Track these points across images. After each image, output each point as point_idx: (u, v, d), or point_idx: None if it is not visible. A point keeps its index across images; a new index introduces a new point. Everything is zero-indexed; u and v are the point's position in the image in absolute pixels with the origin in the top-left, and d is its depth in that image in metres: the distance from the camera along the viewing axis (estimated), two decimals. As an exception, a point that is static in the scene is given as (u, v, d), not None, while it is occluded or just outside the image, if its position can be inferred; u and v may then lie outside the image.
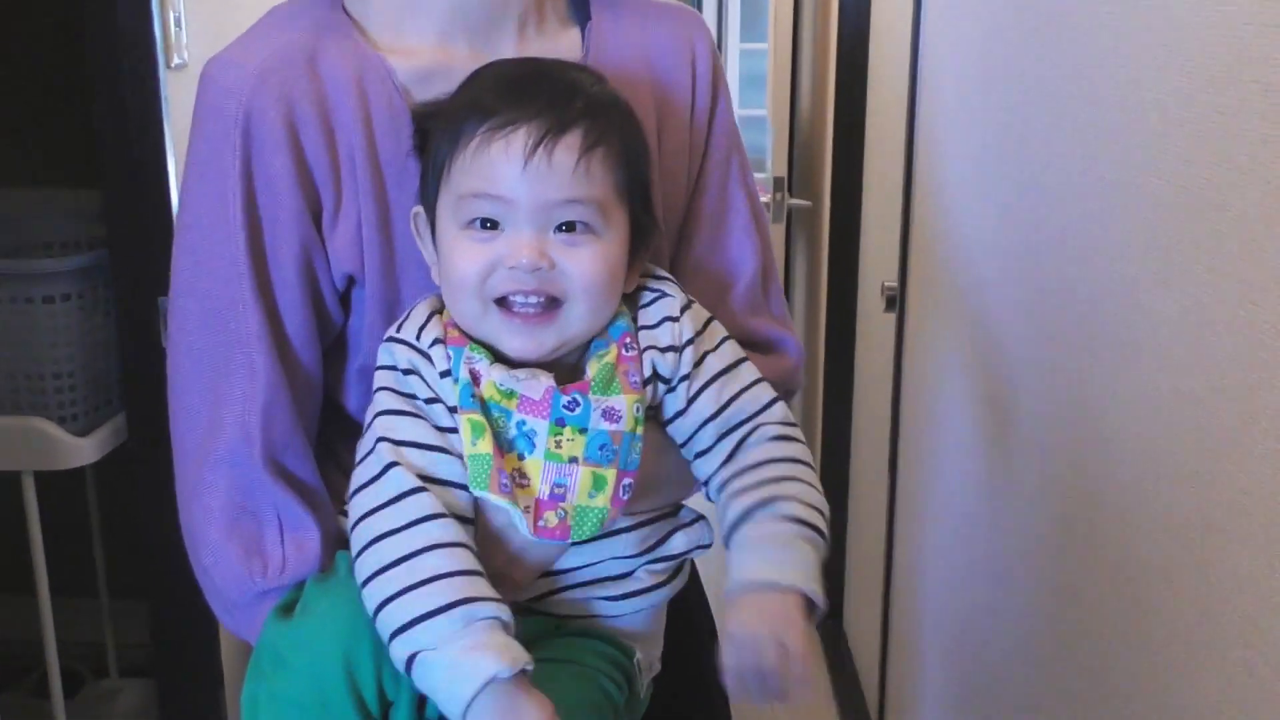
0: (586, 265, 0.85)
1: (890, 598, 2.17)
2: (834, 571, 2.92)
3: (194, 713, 2.02)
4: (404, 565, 0.81)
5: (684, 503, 0.97)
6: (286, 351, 0.93)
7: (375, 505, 0.84)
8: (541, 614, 0.92)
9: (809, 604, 0.84)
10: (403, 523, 0.83)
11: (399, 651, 0.79)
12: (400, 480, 0.84)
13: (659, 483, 0.92)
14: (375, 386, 0.90)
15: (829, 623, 2.94)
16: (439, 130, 0.88)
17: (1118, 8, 1.03)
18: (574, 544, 0.88)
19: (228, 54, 0.93)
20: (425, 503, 0.83)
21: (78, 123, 2.03)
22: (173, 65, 1.79)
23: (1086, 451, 1.11)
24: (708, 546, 0.96)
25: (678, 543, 0.94)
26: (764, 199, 2.91)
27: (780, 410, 0.93)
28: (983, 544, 1.51)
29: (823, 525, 0.88)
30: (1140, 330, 0.98)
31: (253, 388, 0.91)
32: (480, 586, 0.81)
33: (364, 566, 0.83)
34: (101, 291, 1.89)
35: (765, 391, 0.93)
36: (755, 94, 5.66)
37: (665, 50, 1.01)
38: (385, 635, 0.80)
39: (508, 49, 0.96)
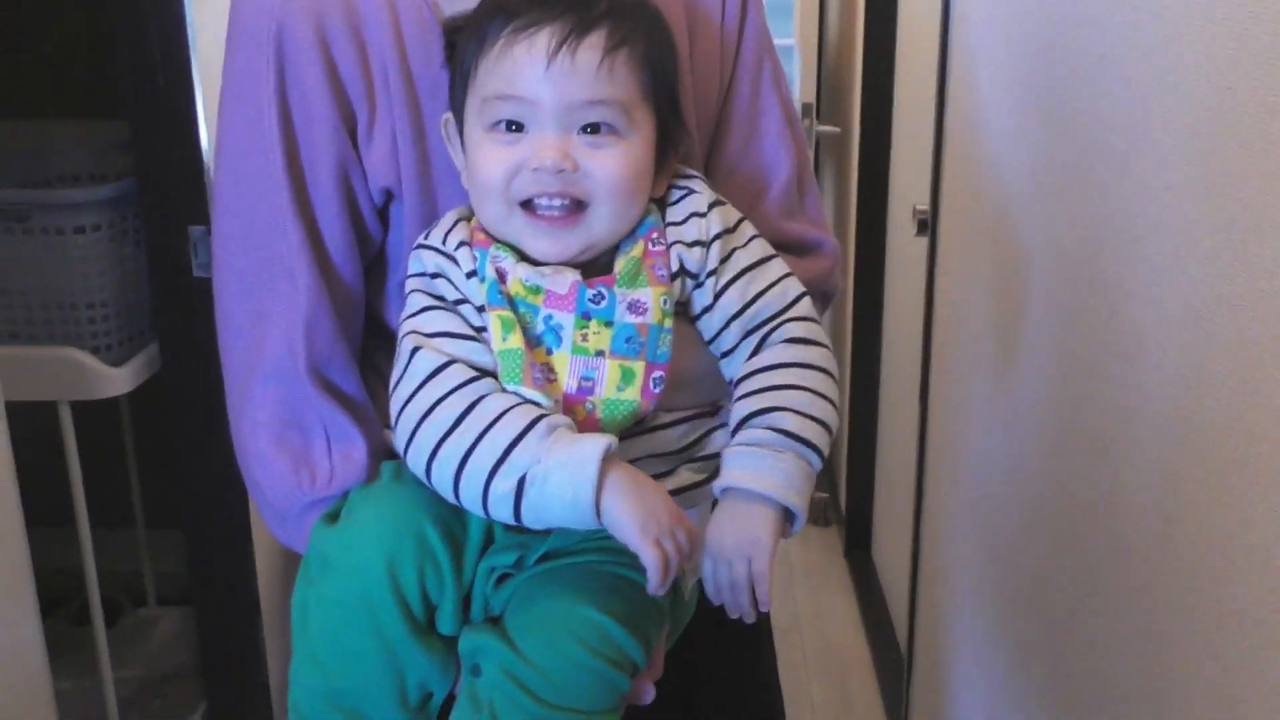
0: (611, 166, 0.85)
1: (920, 527, 2.17)
2: (862, 500, 2.93)
3: (232, 639, 2.05)
4: (468, 418, 0.83)
5: (723, 404, 0.96)
6: (327, 266, 0.94)
7: (413, 389, 0.85)
8: None
9: (787, 515, 0.85)
10: (446, 390, 0.84)
11: (503, 486, 0.81)
12: (430, 359, 0.85)
13: (692, 377, 0.92)
14: (406, 292, 0.91)
15: (857, 552, 2.95)
16: (466, 35, 0.88)
17: (1163, -92, 1.00)
18: (623, 435, 0.88)
19: None
20: (461, 370, 0.85)
21: (104, 52, 2.02)
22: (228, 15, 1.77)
23: (1124, 371, 1.10)
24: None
25: (718, 440, 0.94)
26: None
27: (805, 307, 0.92)
28: (1016, 472, 1.50)
29: (819, 439, 0.87)
30: (1181, 239, 0.96)
31: (294, 302, 0.93)
32: (544, 409, 0.84)
33: (422, 446, 0.84)
34: (131, 221, 1.89)
35: (792, 287, 0.92)
36: (782, 23, 5.56)
37: None
38: (480, 485, 0.81)
39: None
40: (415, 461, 0.85)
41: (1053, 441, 1.34)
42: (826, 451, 0.88)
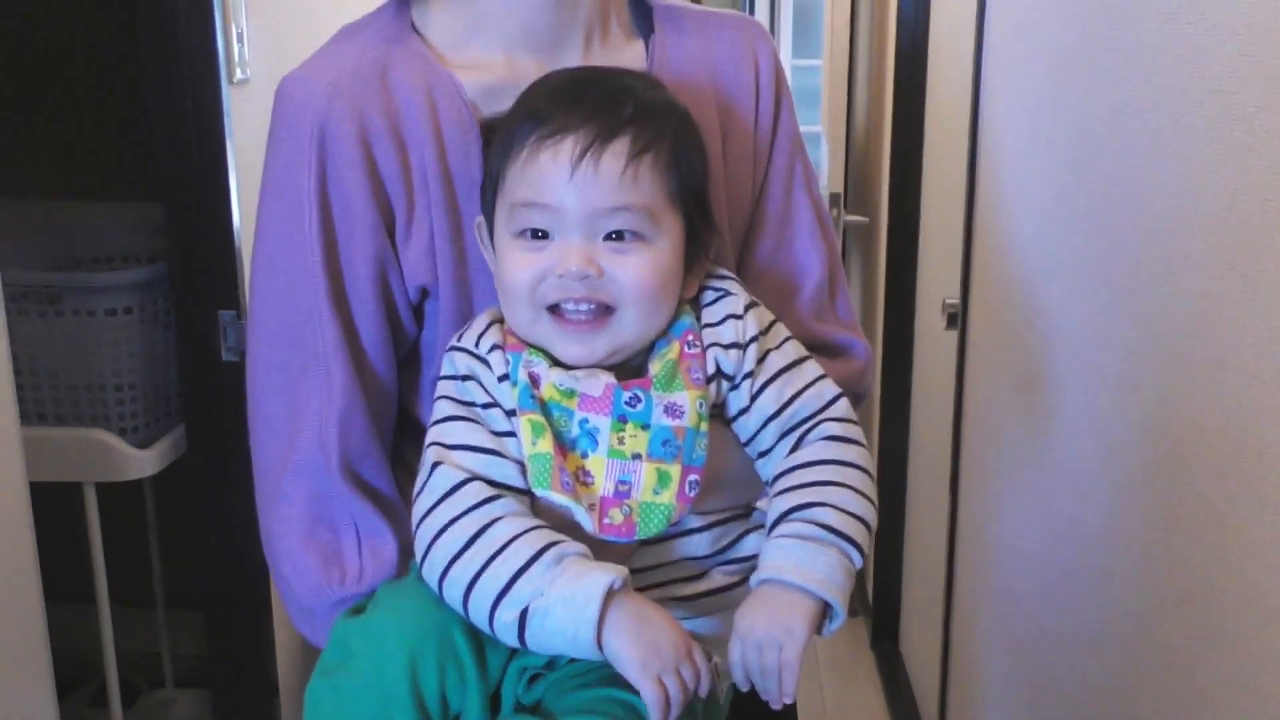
0: (635, 272, 0.86)
1: (951, 622, 2.13)
2: (891, 593, 2.88)
3: (249, 724, 2.02)
4: (477, 543, 0.82)
5: (757, 507, 0.96)
6: (362, 363, 0.94)
7: (430, 504, 0.85)
8: None
9: (825, 610, 0.83)
10: (462, 510, 0.84)
11: (506, 617, 0.80)
12: (449, 476, 0.85)
13: (726, 480, 0.91)
14: (435, 396, 0.91)
15: (885, 645, 2.90)
16: (498, 139, 0.89)
17: (1195, 16, 1.00)
18: (642, 544, 0.88)
19: (301, 71, 0.95)
20: (479, 489, 0.85)
21: (139, 134, 2.05)
22: (235, 80, 1.80)
23: (1166, 475, 1.08)
24: None
25: (751, 544, 0.93)
26: (820, 214, 2.87)
27: (843, 408, 0.92)
28: (1051, 570, 1.47)
29: (860, 536, 0.86)
30: (1224, 348, 0.95)
31: (329, 398, 0.93)
32: (556, 534, 0.83)
33: (435, 563, 0.83)
34: (162, 304, 1.91)
35: (828, 388, 0.92)
36: (808, 110, 5.62)
37: (728, 59, 1.02)
38: (485, 612, 0.81)
39: (573, 62, 0.97)
40: (429, 578, 0.84)
41: (1089, 540, 1.31)
42: (868, 550, 0.86)
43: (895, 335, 2.66)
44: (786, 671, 0.81)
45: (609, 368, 0.88)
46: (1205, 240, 0.98)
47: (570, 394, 0.86)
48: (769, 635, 0.81)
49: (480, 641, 0.84)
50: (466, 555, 0.82)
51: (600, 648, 0.79)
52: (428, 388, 0.98)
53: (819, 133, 3.75)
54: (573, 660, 0.86)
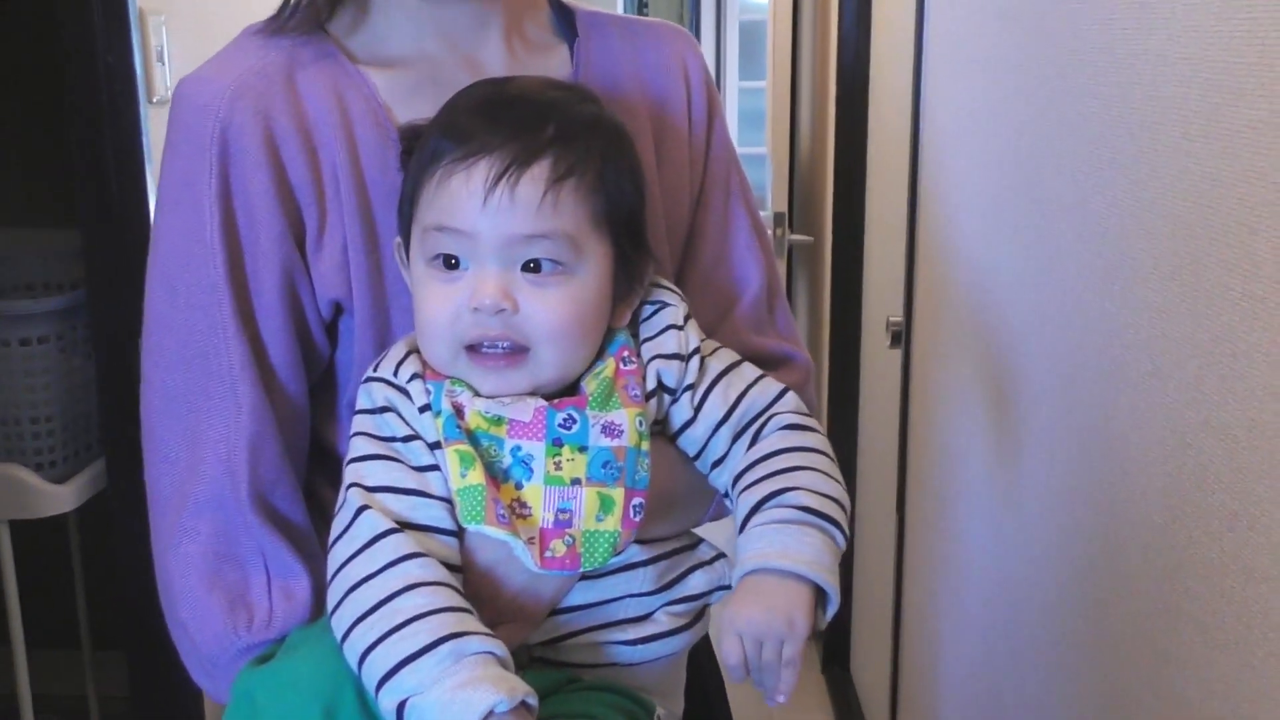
0: (553, 309, 0.80)
1: (900, 643, 2.10)
2: (840, 616, 2.84)
3: (177, 769, 1.94)
4: (383, 609, 0.75)
5: (703, 539, 0.91)
6: (272, 383, 0.87)
7: (349, 554, 0.78)
8: (553, 663, 0.85)
9: (818, 594, 0.78)
10: (378, 566, 0.77)
11: (387, 703, 0.73)
12: (372, 524, 0.79)
13: (672, 501, 0.87)
14: (351, 431, 0.85)
15: (835, 670, 2.86)
16: (414, 156, 0.84)
17: (1133, 22, 0.98)
18: (585, 577, 0.83)
19: (201, 71, 0.88)
20: (400, 543, 0.78)
21: (56, 161, 1.98)
22: (154, 100, 1.74)
23: (1110, 492, 1.05)
24: (729, 587, 0.88)
25: (697, 581, 0.88)
26: (764, 235, 2.87)
27: (793, 399, 0.88)
28: (997, 592, 1.44)
29: (839, 515, 0.81)
30: (1167, 360, 0.92)
31: (237, 422, 0.85)
32: (468, 622, 0.76)
33: (342, 618, 0.77)
34: (81, 333, 1.84)
35: (773, 384, 0.88)
36: (754, 132, 5.64)
37: (657, 68, 0.98)
38: (371, 688, 0.74)
39: (495, 62, 0.92)
40: (336, 631, 0.78)
41: (1037, 565, 1.28)
42: (848, 532, 0.82)
43: (841, 354, 2.64)
44: (789, 668, 0.75)
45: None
46: (1146, 250, 0.96)
47: (498, 421, 0.80)
48: (770, 629, 0.75)
49: None
50: (368, 622, 0.75)
51: None
52: (344, 413, 0.91)
53: (764, 155, 3.74)
54: None
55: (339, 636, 0.77)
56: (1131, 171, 0.98)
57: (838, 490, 0.83)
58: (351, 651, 0.76)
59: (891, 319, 1.99)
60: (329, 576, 0.80)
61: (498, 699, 0.71)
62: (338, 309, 0.90)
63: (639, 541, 0.84)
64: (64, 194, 1.88)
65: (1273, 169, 0.76)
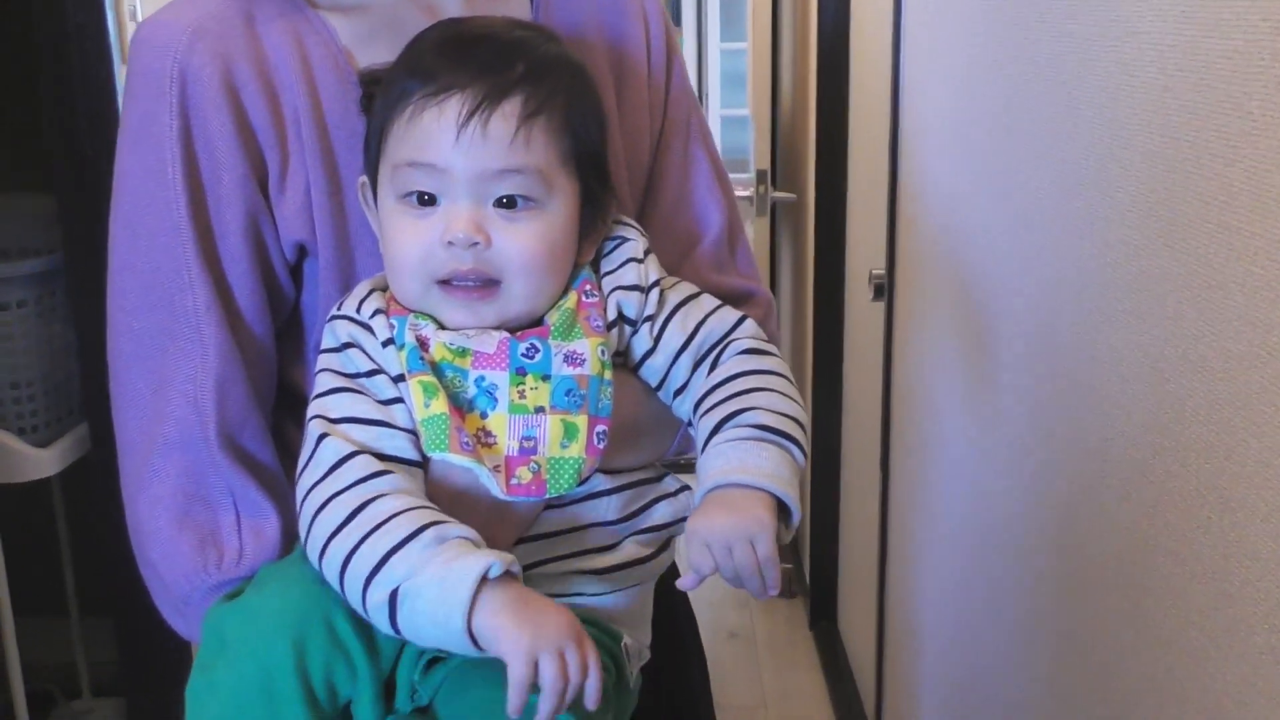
0: (525, 242, 0.81)
1: (885, 597, 2.11)
2: (827, 572, 2.86)
3: (167, 733, 1.95)
4: (358, 518, 0.76)
5: (668, 472, 0.92)
6: (238, 324, 0.87)
7: (316, 479, 0.79)
8: None
9: (782, 509, 0.79)
10: (346, 484, 0.78)
11: (377, 596, 0.74)
12: (336, 448, 0.79)
13: (636, 430, 0.88)
14: (316, 370, 0.85)
15: (823, 625, 2.88)
16: (380, 95, 0.84)
17: (1110, -41, 0.97)
18: (549, 507, 0.84)
19: (159, 15, 0.88)
20: (366, 462, 0.79)
21: (27, 124, 1.96)
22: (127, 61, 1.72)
23: (1089, 432, 1.05)
24: None
25: (663, 512, 0.89)
26: (747, 193, 2.87)
27: (751, 326, 0.89)
28: (979, 538, 1.45)
29: (797, 434, 0.82)
30: (1146, 297, 0.92)
31: (204, 363, 0.85)
32: (444, 517, 0.77)
33: (316, 536, 0.77)
34: (59, 298, 1.82)
35: (730, 313, 0.89)
36: (736, 94, 5.60)
37: (616, 10, 0.99)
38: (359, 592, 0.75)
39: (454, 8, 0.92)
40: (312, 555, 0.78)
41: (1017, 510, 1.29)
42: (807, 451, 0.83)
43: (825, 309, 2.64)
44: (769, 564, 0.76)
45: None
46: (1123, 188, 0.95)
47: (463, 352, 0.81)
48: (737, 532, 0.76)
49: (370, 624, 0.79)
50: (345, 531, 0.76)
51: (472, 636, 0.72)
52: (310, 356, 0.91)
53: (746, 116, 3.72)
54: None
55: (315, 555, 0.77)
56: (1109, 110, 0.98)
57: (795, 409, 0.84)
58: (332, 564, 0.76)
59: (874, 272, 1.99)
60: (298, 503, 0.80)
61: (490, 563, 0.72)
62: (302, 252, 0.90)
63: (605, 471, 0.85)
64: (38, 158, 1.86)
65: (1248, 98, 0.75)
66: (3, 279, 1.73)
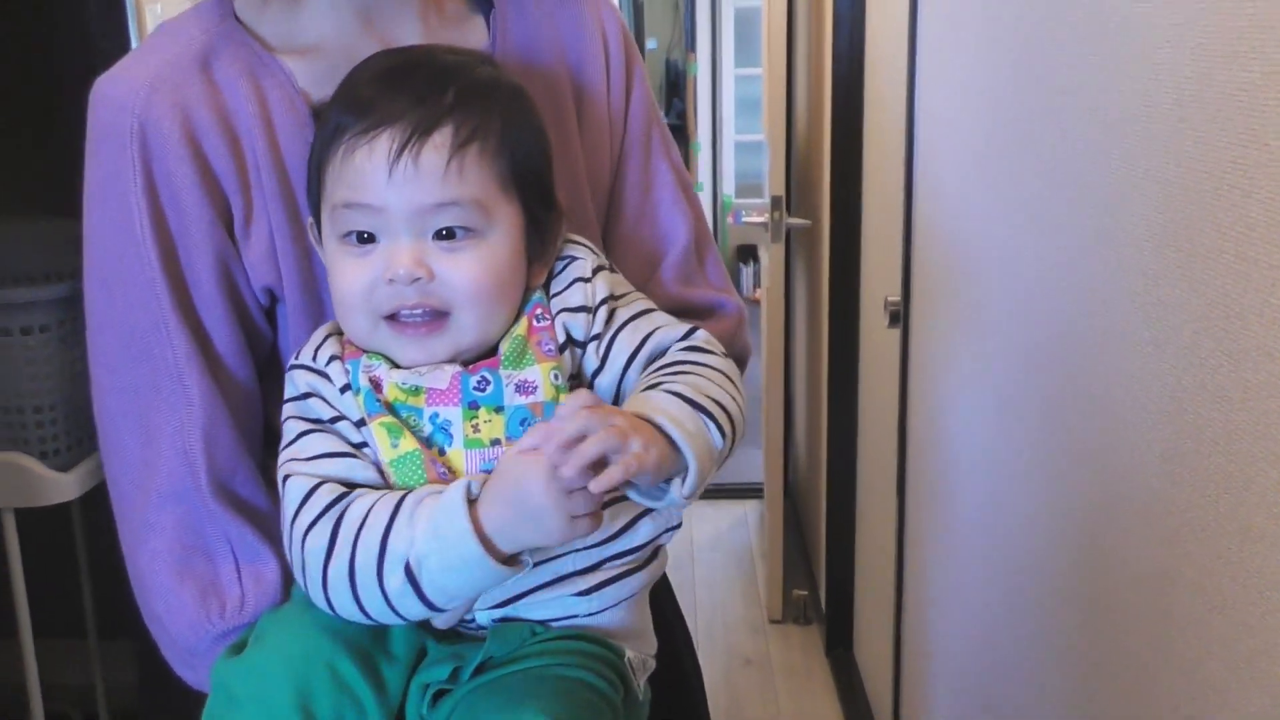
0: (469, 272, 0.81)
1: (902, 623, 2.11)
2: (843, 599, 2.85)
3: (184, 757, 1.95)
4: (340, 534, 0.77)
5: None
6: (220, 371, 0.88)
7: (290, 518, 0.80)
8: (516, 620, 0.85)
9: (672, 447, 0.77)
10: (318, 512, 0.79)
11: (394, 583, 0.75)
12: (298, 486, 0.80)
13: None
14: (282, 419, 0.85)
15: (839, 652, 2.87)
16: (317, 131, 0.84)
17: (1127, -9, 0.98)
18: None
19: (116, 70, 0.88)
20: (328, 491, 0.80)
21: (51, 150, 1.98)
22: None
23: (1108, 461, 1.05)
24: (677, 527, 0.90)
25: (645, 529, 0.87)
26: (762, 219, 2.87)
27: (702, 335, 0.87)
28: (997, 565, 1.45)
29: (717, 412, 0.80)
30: (1163, 327, 0.92)
31: (189, 413, 0.86)
32: (410, 486, 0.79)
33: (312, 575, 0.78)
34: (81, 321, 1.83)
35: (680, 325, 0.88)
36: (751, 120, 5.62)
37: (574, 30, 0.99)
38: (376, 593, 0.76)
39: (412, 40, 0.92)
40: (313, 593, 0.79)
41: (1037, 537, 1.29)
42: (728, 435, 0.80)
43: (840, 336, 2.64)
44: (604, 478, 0.73)
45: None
46: (1140, 217, 0.96)
47: (416, 390, 0.81)
48: (602, 425, 0.73)
49: (375, 663, 0.79)
50: (335, 550, 0.77)
51: (491, 549, 0.74)
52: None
53: (762, 142, 3.74)
54: (478, 670, 0.81)
55: (319, 593, 0.78)
56: (1125, 139, 0.98)
57: (724, 396, 0.82)
58: (339, 588, 0.77)
59: (889, 299, 2.00)
60: (286, 550, 0.81)
61: (465, 483, 0.75)
62: (273, 296, 0.90)
63: None
64: (60, 183, 1.88)
65: (1265, 131, 0.76)
66: (26, 304, 1.75)
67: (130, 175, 0.85)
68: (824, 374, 2.78)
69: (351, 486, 0.80)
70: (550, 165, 0.88)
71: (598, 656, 0.84)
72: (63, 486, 1.80)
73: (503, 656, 0.82)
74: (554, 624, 0.86)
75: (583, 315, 0.85)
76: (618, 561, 0.86)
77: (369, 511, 0.77)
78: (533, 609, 0.85)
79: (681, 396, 0.79)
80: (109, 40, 1.67)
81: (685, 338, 0.87)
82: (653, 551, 0.89)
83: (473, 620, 0.85)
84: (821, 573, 3.03)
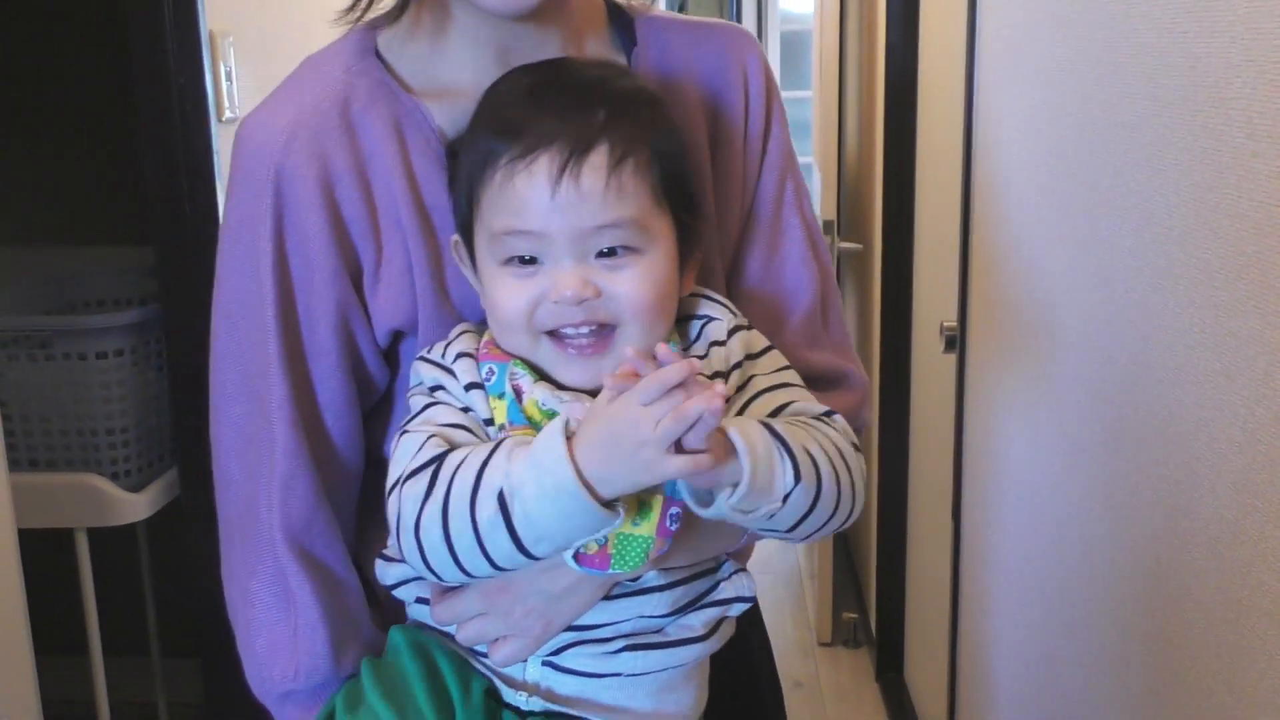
0: (634, 287, 0.81)
1: (957, 649, 2.10)
2: (894, 623, 2.85)
3: (247, 773, 1.98)
4: (438, 479, 0.78)
5: (727, 558, 0.91)
6: (315, 423, 0.90)
7: (398, 475, 0.81)
8: (559, 670, 0.87)
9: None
10: (424, 461, 0.80)
11: (486, 512, 0.75)
12: (412, 440, 0.82)
13: (703, 526, 0.83)
14: (408, 398, 0.88)
15: (889, 676, 2.86)
16: (464, 155, 0.85)
17: (1195, 24, 0.99)
18: (609, 595, 0.84)
19: (259, 113, 0.90)
20: (436, 444, 0.81)
21: (131, 180, 2.04)
22: (224, 119, 1.79)
23: (1175, 492, 1.06)
24: (750, 600, 0.89)
25: (709, 613, 0.88)
26: (814, 243, 2.87)
27: (841, 422, 0.85)
28: (1058, 593, 1.45)
29: (797, 452, 0.77)
30: (1235, 359, 0.93)
31: (272, 459, 0.88)
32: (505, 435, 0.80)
33: (406, 520, 0.79)
34: (154, 346, 1.89)
35: (817, 405, 0.86)
36: (800, 141, 5.61)
37: (716, 70, 0.97)
38: (466, 524, 0.76)
39: None
40: (405, 545, 0.80)
41: (1098, 567, 1.29)
42: (810, 487, 0.77)
43: (892, 361, 2.64)
44: (703, 424, 0.71)
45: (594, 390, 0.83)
46: (1211, 250, 0.97)
47: (552, 415, 0.81)
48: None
49: None
50: (433, 491, 0.78)
51: (588, 484, 0.73)
52: None
53: (811, 163, 3.75)
54: None
55: (410, 531, 0.79)
56: (1195, 174, 0.99)
57: (820, 453, 0.79)
58: (430, 521, 0.77)
59: (945, 324, 2.00)
60: (386, 502, 0.82)
61: (564, 418, 0.75)
62: (397, 336, 0.92)
63: (663, 566, 0.84)
64: (138, 212, 1.94)
65: (1341, 167, 0.77)
66: (103, 329, 1.80)
67: (263, 221, 0.87)
68: (875, 397, 2.78)
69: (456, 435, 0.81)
70: (691, 170, 0.88)
71: None
72: (134, 507, 1.84)
73: None
74: (599, 679, 0.86)
75: (717, 381, 0.81)
76: (680, 623, 0.86)
77: (466, 458, 0.78)
78: (578, 662, 0.86)
79: (768, 428, 0.78)
80: (186, 77, 1.72)
81: (823, 418, 0.85)
82: (717, 622, 0.89)
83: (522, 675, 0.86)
84: (872, 596, 3.02)
